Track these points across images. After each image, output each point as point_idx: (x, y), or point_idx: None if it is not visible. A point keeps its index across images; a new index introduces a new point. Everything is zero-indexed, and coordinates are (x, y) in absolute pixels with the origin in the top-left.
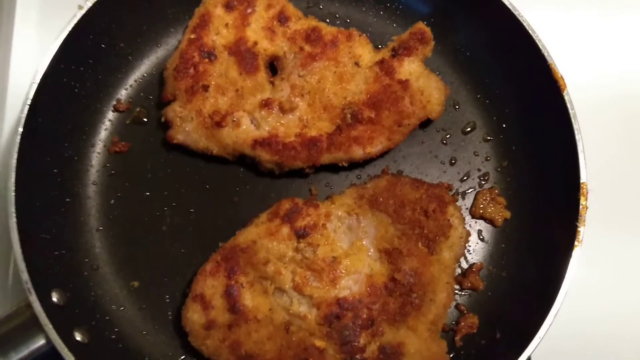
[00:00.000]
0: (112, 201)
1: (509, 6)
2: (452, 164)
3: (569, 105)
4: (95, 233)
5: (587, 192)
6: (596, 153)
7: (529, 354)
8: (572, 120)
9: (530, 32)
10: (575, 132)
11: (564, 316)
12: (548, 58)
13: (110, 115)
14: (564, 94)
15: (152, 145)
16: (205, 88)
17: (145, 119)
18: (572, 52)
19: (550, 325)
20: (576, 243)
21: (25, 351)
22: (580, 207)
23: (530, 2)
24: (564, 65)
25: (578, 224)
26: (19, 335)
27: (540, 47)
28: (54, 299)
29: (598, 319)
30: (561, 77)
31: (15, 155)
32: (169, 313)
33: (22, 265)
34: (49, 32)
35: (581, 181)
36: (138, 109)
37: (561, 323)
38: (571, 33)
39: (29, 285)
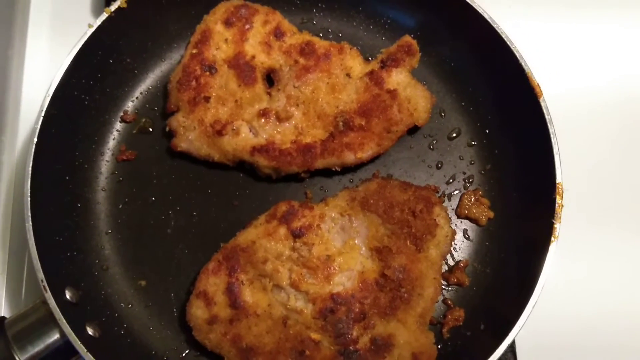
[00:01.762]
0: (120, 206)
1: (489, 20)
2: (438, 168)
3: (544, 111)
4: (104, 236)
5: (562, 192)
6: (572, 155)
7: (509, 342)
8: (548, 124)
9: (508, 43)
10: (551, 135)
11: (544, 306)
12: (525, 67)
13: (118, 125)
14: (540, 100)
15: (157, 153)
16: (207, 99)
17: (150, 129)
18: (549, 60)
19: (528, 315)
20: (552, 239)
21: (41, 345)
22: (556, 205)
23: (510, 12)
24: (541, 74)
25: (554, 221)
26: (35, 330)
27: (518, 57)
28: (67, 296)
29: (575, 309)
30: (537, 84)
31: (30, 164)
32: (174, 310)
33: (37, 265)
34: (60, 48)
35: (557, 181)
36: (144, 120)
37: (541, 313)
38: (548, 42)
39: (45, 283)
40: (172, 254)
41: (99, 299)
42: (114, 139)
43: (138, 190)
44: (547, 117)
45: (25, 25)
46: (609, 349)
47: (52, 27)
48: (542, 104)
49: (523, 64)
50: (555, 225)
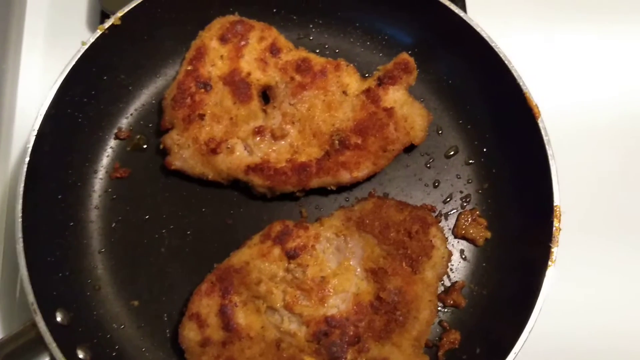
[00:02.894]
0: (114, 224)
1: (486, 38)
2: (435, 187)
3: (543, 132)
4: (97, 255)
5: (560, 215)
6: (570, 173)
7: None
8: (546, 145)
9: (506, 62)
10: (549, 157)
11: (541, 332)
12: (523, 87)
13: (112, 142)
14: (539, 121)
15: (151, 171)
16: (201, 117)
17: (145, 146)
18: (547, 77)
19: (525, 340)
20: (549, 263)
21: None
22: (554, 228)
23: (508, 28)
24: (539, 90)
25: (552, 245)
26: (25, 353)
27: (516, 77)
28: (58, 318)
29: (573, 332)
30: (535, 105)
31: (22, 184)
32: (167, 331)
33: (28, 288)
34: (55, 62)
35: (554, 204)
36: (138, 137)
37: (539, 336)
38: (547, 58)
39: (35, 306)
40: (166, 274)
41: (90, 320)
42: (107, 157)
43: (132, 209)
44: (545, 138)
45: (19, 38)
46: None
47: (47, 40)
48: (540, 124)
49: (521, 84)
50: (552, 249)
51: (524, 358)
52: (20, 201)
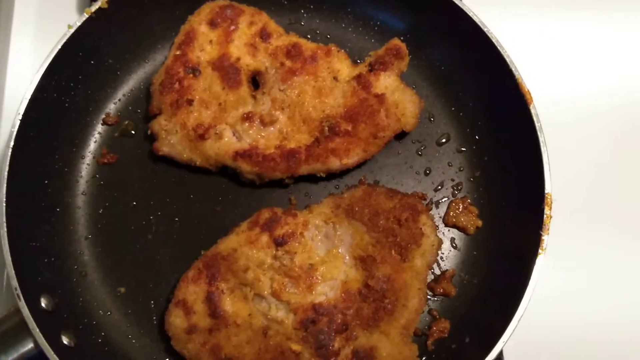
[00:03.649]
0: (101, 210)
1: (479, 24)
2: (426, 174)
3: (535, 118)
4: (84, 241)
5: (551, 202)
6: (562, 162)
7: (494, 356)
8: (538, 132)
9: (499, 48)
10: (541, 144)
11: (533, 318)
12: (515, 73)
13: (100, 128)
14: (531, 107)
15: (139, 157)
16: (190, 102)
17: (133, 132)
18: (542, 64)
19: (514, 328)
20: (540, 251)
21: (14, 354)
22: (545, 216)
23: (506, 14)
24: (533, 78)
25: (542, 233)
26: (9, 339)
27: (509, 63)
28: (43, 304)
29: (563, 320)
30: (528, 91)
31: (6, 168)
32: (154, 318)
33: (11, 272)
34: (44, 47)
35: (546, 192)
36: (126, 122)
37: (529, 325)
38: (542, 45)
39: (18, 291)
40: (153, 260)
41: (76, 306)
42: (95, 142)
43: (119, 195)
44: (537, 124)
45: (9, 23)
46: (602, 356)
47: (37, 25)
48: (533, 111)
49: (513, 69)
50: (543, 237)
51: (514, 348)
52: (4, 185)
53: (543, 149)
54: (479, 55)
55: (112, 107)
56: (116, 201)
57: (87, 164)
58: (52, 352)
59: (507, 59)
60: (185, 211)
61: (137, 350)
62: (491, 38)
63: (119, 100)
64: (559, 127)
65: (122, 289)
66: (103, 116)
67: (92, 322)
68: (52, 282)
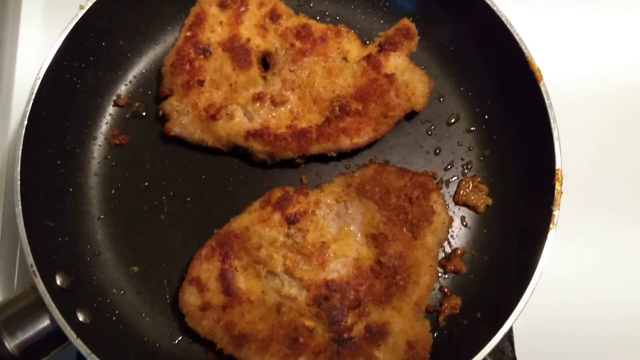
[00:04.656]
0: (113, 191)
1: (489, 2)
2: (436, 154)
3: (545, 96)
4: (97, 221)
5: (562, 178)
6: (573, 142)
7: (506, 330)
8: (548, 109)
9: (508, 26)
10: (551, 120)
11: (543, 295)
12: (525, 51)
13: (111, 109)
14: (541, 84)
15: (150, 138)
16: (201, 83)
17: (144, 113)
18: (551, 46)
19: (526, 303)
20: (551, 226)
21: (31, 331)
22: (555, 192)
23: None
24: (543, 60)
25: (553, 208)
26: (25, 316)
27: (518, 41)
28: (58, 282)
29: (574, 298)
30: (538, 69)
31: (20, 147)
32: (167, 296)
33: (27, 250)
34: (53, 31)
35: (556, 167)
36: (137, 104)
37: (540, 302)
38: (552, 28)
39: (34, 268)
40: (166, 240)
41: (90, 285)
42: (106, 123)
43: (131, 176)
44: (547, 101)
45: (18, 8)
46: (607, 338)
47: (45, 10)
48: (542, 88)
49: (523, 47)
50: (554, 213)
51: (524, 323)
52: (19, 164)
53: (553, 126)
54: (488, 34)
55: (123, 89)
56: (128, 182)
57: (99, 145)
58: (69, 328)
59: (517, 37)
60: (197, 191)
61: (151, 328)
62: (500, 16)
63: (130, 82)
64: (569, 109)
65: (136, 268)
66: (114, 98)
67: (107, 300)
68: (67, 260)
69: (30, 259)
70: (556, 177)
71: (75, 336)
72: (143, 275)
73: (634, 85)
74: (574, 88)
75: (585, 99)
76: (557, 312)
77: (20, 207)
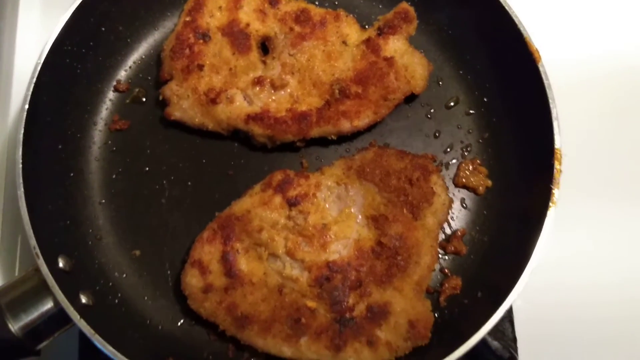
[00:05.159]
0: (114, 176)
1: None
2: (436, 137)
3: (543, 76)
4: (98, 206)
5: (561, 157)
6: (572, 124)
7: (506, 308)
8: (547, 90)
9: (507, 8)
10: (550, 101)
11: (543, 277)
12: (524, 32)
13: (111, 95)
14: (539, 65)
15: (150, 123)
16: (201, 67)
17: (144, 99)
18: (550, 28)
19: (526, 282)
20: (550, 204)
21: (35, 313)
22: (555, 171)
23: None
24: (542, 41)
25: (552, 187)
26: (29, 298)
27: (517, 23)
28: (60, 264)
29: (574, 280)
30: (536, 49)
31: (22, 131)
32: (169, 279)
33: (30, 232)
34: (52, 20)
35: (555, 147)
36: (137, 90)
37: (540, 284)
38: (550, 9)
39: (37, 250)
40: (167, 224)
41: (92, 268)
42: (107, 109)
43: (132, 160)
44: (545, 82)
45: None
46: (607, 319)
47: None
48: (541, 69)
49: (522, 29)
50: (553, 191)
51: (524, 304)
52: (20, 147)
53: (552, 106)
54: (486, 17)
55: (122, 75)
56: (129, 167)
57: (100, 130)
58: (72, 309)
59: (515, 19)
60: (197, 175)
61: (154, 311)
62: None
63: (130, 67)
64: (568, 90)
65: (137, 252)
66: (114, 83)
67: (109, 283)
68: (69, 244)
69: (32, 241)
70: (555, 156)
71: (78, 317)
72: (145, 258)
73: (632, 66)
74: (573, 69)
75: (584, 80)
76: (556, 293)
77: (22, 190)
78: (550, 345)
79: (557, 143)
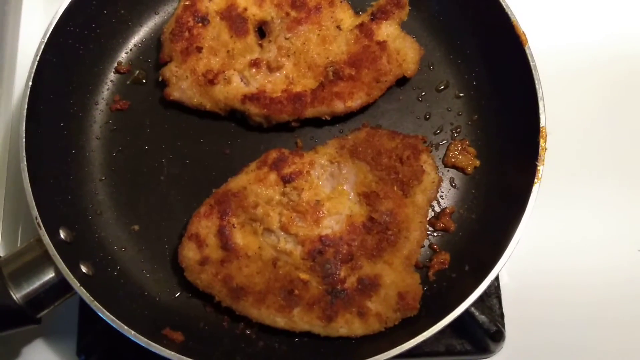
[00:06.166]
0: (114, 154)
1: None
2: (426, 119)
3: (530, 58)
4: (98, 182)
5: (546, 135)
6: (559, 110)
7: (491, 279)
8: (533, 71)
9: None
10: (536, 81)
11: (530, 259)
12: (511, 16)
13: (112, 76)
14: (526, 47)
15: (150, 103)
16: (199, 49)
17: (144, 80)
18: (538, 13)
19: (511, 253)
20: (536, 180)
21: (36, 282)
22: (540, 148)
23: None
24: (530, 27)
25: (538, 164)
26: (31, 268)
27: (505, 7)
28: (62, 235)
29: (561, 261)
30: (523, 32)
31: (25, 107)
32: (167, 253)
33: (32, 203)
34: (55, 3)
35: (541, 125)
36: (137, 72)
37: (527, 266)
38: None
39: (39, 220)
40: (165, 200)
41: (92, 241)
42: (108, 89)
43: (131, 139)
44: (531, 63)
45: None
46: (593, 299)
47: None
48: (527, 51)
49: (509, 13)
50: (538, 167)
51: (512, 283)
52: (24, 122)
53: (538, 86)
54: (476, 3)
55: (123, 57)
56: (129, 145)
57: (101, 110)
58: (73, 278)
59: (503, 4)
60: (195, 154)
61: (152, 283)
62: None
63: (131, 50)
64: (557, 78)
65: (136, 227)
66: (115, 65)
67: (108, 256)
68: (70, 217)
69: (34, 212)
70: (541, 134)
71: (78, 284)
72: (143, 233)
73: (618, 51)
74: (561, 54)
75: (571, 64)
76: (543, 274)
77: (25, 163)
78: (536, 324)
79: (543, 122)
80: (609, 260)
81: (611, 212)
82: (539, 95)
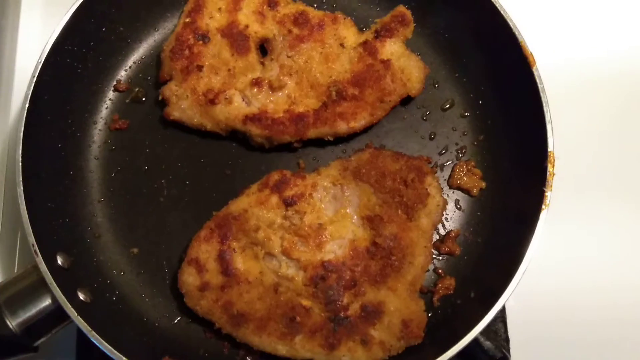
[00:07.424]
0: (113, 174)
1: None
2: (431, 139)
3: (537, 80)
4: (97, 204)
5: (554, 160)
6: (566, 128)
7: (498, 308)
8: (541, 93)
9: (502, 12)
10: (544, 104)
11: (536, 279)
12: (519, 37)
13: (111, 94)
14: (534, 69)
15: (150, 122)
16: (200, 68)
17: (143, 98)
18: (545, 32)
19: (518, 282)
20: (543, 206)
21: (32, 310)
22: (548, 173)
23: None
24: (537, 44)
25: (545, 189)
26: (27, 295)
27: (512, 27)
28: (59, 261)
29: (567, 282)
30: (531, 54)
31: (22, 129)
32: (166, 277)
33: (28, 229)
34: (53, 19)
35: (549, 149)
36: (137, 89)
37: (533, 287)
38: (544, 14)
39: (35, 247)
40: (165, 222)
41: (90, 265)
42: (106, 108)
43: (131, 159)
44: (539, 85)
45: None
46: (600, 321)
47: None
48: (535, 72)
49: (517, 33)
50: (546, 193)
51: (518, 306)
52: (20, 145)
53: (546, 109)
54: (482, 21)
55: (122, 74)
56: (128, 166)
57: (99, 129)
58: (70, 306)
59: (510, 23)
60: (195, 175)
61: (151, 308)
62: (494, 3)
63: (130, 67)
64: (562, 94)
65: (135, 250)
66: (114, 83)
67: (107, 281)
68: (67, 241)
69: (31, 239)
70: (549, 159)
71: (75, 314)
72: (143, 257)
73: (626, 70)
74: (568, 73)
75: (578, 84)
76: (549, 295)
77: (21, 188)
78: (543, 347)
79: (550, 146)
80: (616, 282)
81: (619, 232)
82: (547, 118)
